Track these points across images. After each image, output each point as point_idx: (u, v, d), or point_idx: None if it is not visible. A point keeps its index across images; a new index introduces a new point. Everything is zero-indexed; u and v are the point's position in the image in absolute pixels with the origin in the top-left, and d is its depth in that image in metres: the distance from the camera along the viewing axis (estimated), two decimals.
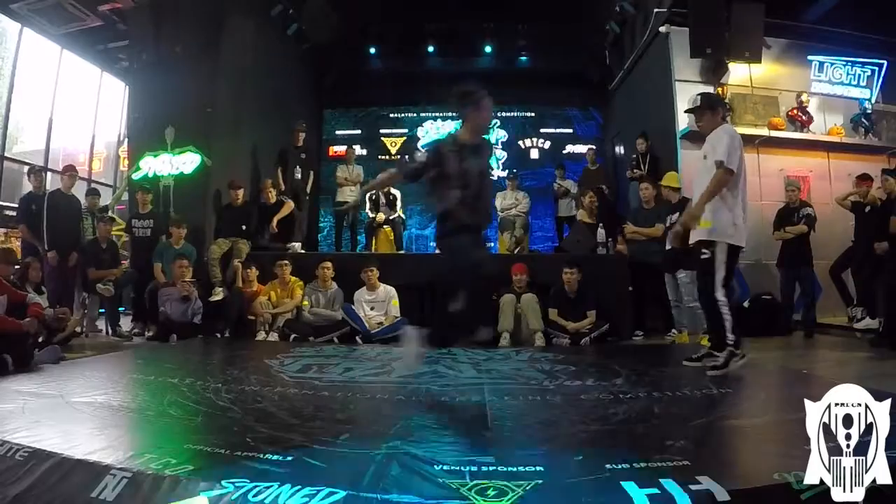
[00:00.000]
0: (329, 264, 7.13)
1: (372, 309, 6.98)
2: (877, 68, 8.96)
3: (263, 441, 2.44)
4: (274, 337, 6.85)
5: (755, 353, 5.66)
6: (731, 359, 4.32)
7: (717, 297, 4.42)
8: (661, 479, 1.89)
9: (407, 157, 4.10)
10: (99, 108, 12.81)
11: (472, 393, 3.71)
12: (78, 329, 6.88)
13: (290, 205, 8.39)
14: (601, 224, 8.22)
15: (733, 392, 3.75)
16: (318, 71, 12.85)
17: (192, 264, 7.27)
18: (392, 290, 7.06)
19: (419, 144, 13.29)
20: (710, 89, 8.47)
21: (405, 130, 13.50)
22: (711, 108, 4.70)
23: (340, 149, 11.83)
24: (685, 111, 5.21)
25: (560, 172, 10.59)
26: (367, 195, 9.72)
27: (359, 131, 13.51)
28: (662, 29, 8.69)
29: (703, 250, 4.47)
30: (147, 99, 9.11)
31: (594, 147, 11.68)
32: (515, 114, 13.42)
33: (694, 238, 4.57)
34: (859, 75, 8.97)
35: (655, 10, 8.93)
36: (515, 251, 9.15)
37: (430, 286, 7.22)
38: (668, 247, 6.60)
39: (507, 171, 12.19)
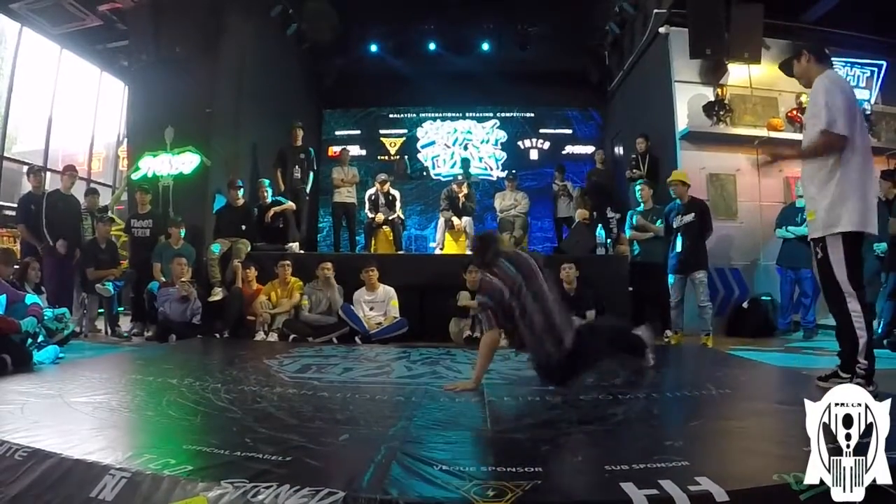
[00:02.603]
0: (329, 265, 7.14)
1: (371, 309, 6.98)
2: (876, 69, 8.96)
3: (263, 441, 2.44)
4: (273, 337, 6.85)
5: (754, 354, 5.68)
6: None
7: (847, 306, 3.56)
8: (659, 480, 1.89)
9: None
10: (98, 107, 12.82)
11: (471, 393, 3.70)
12: (77, 329, 6.89)
13: (289, 205, 8.41)
14: (600, 224, 8.25)
15: (732, 392, 3.75)
16: (317, 71, 12.89)
17: (190, 264, 7.28)
18: (391, 291, 7.06)
19: (419, 145, 13.35)
20: (710, 90, 8.50)
21: (405, 131, 13.53)
22: (797, 57, 3.98)
23: (339, 149, 11.81)
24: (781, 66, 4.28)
25: (560, 174, 10.59)
26: (367, 196, 9.74)
27: (358, 132, 13.55)
28: (662, 30, 8.70)
29: (816, 249, 3.68)
30: (146, 99, 9.13)
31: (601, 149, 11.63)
32: (515, 114, 13.44)
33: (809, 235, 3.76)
34: (858, 76, 8.96)
35: (655, 10, 8.94)
36: None
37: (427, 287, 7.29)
38: (678, 250, 6.64)
39: (506, 171, 12.21)
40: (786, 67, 4.11)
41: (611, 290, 7.13)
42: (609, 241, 8.43)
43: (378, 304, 7.03)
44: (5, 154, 10.47)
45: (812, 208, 3.68)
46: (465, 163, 12.81)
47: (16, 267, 6.36)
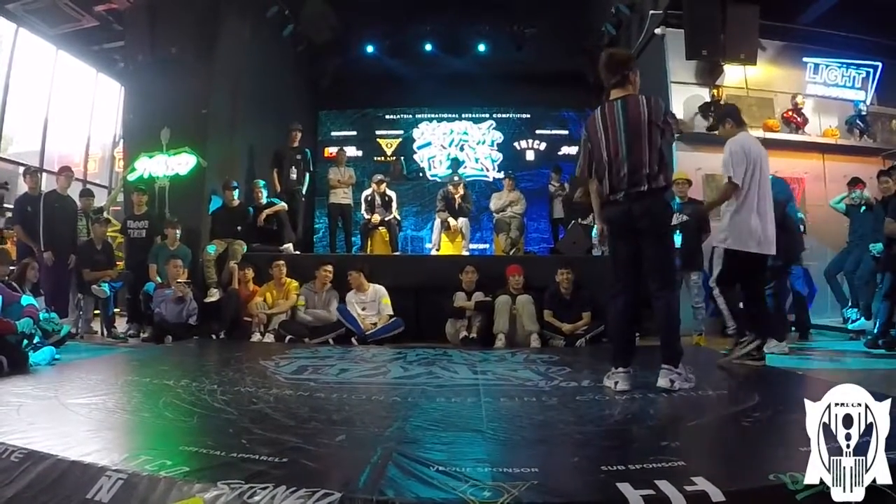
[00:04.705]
0: (330, 268, 7.14)
1: (364, 309, 6.97)
2: (872, 70, 8.99)
3: (259, 442, 2.44)
4: (269, 338, 6.84)
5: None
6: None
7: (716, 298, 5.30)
8: (656, 481, 1.89)
9: None
10: (94, 108, 12.78)
11: (467, 394, 3.71)
12: (73, 330, 6.87)
13: (282, 206, 8.40)
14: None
15: (729, 393, 3.77)
16: (313, 72, 12.86)
17: (186, 265, 7.27)
18: (381, 289, 7.06)
19: (415, 146, 13.35)
20: (706, 91, 8.51)
21: (401, 132, 13.53)
22: (721, 122, 5.06)
23: (336, 150, 11.80)
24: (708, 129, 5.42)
25: (556, 175, 10.60)
26: (364, 197, 9.73)
27: (354, 132, 13.54)
28: (658, 31, 8.69)
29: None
30: (143, 100, 9.11)
31: None
32: (511, 115, 13.44)
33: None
34: (854, 77, 9.00)
35: (651, 11, 8.94)
36: (511, 252, 9.16)
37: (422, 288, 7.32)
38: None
39: (502, 172, 12.22)
40: (713, 128, 5.42)
41: (607, 290, 7.10)
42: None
43: (370, 303, 7.03)
44: (1, 155, 10.45)
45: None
46: (455, 162, 12.81)
47: (11, 268, 6.35)
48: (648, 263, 3.88)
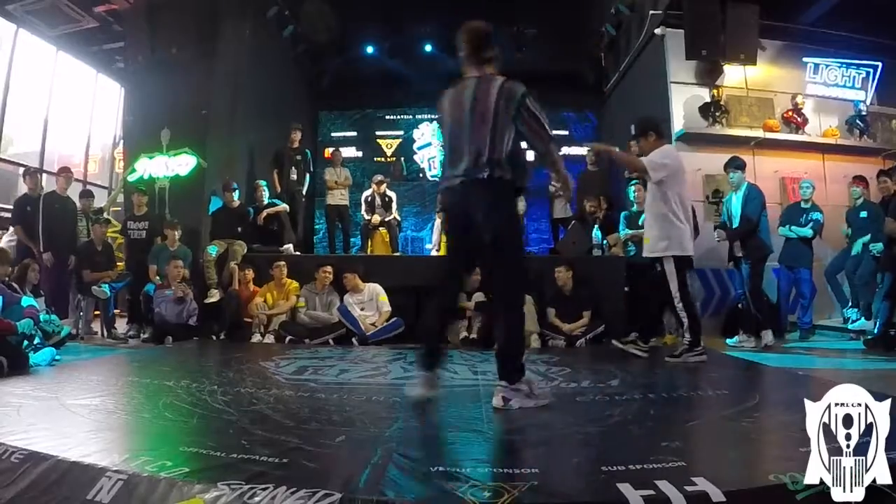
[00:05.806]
0: (329, 269, 7.13)
1: (362, 309, 6.96)
2: (872, 70, 8.98)
3: (259, 443, 2.44)
4: (269, 339, 6.83)
5: (749, 354, 5.69)
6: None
7: (675, 305, 5.19)
8: (656, 481, 1.89)
9: None
10: (94, 109, 12.79)
11: (467, 394, 3.70)
12: (73, 331, 6.87)
13: (283, 206, 8.40)
14: (596, 226, 8.24)
15: (729, 393, 3.76)
16: (313, 73, 12.85)
17: (187, 266, 7.26)
18: (378, 287, 7.05)
19: (415, 146, 13.34)
20: (706, 91, 8.51)
21: (401, 132, 13.49)
22: (644, 134, 5.30)
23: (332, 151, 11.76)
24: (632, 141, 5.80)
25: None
26: (364, 197, 9.73)
27: (354, 133, 13.51)
28: (658, 31, 8.69)
29: (655, 265, 5.32)
30: (143, 101, 9.13)
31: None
32: None
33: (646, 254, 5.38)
34: (854, 77, 9.00)
35: (651, 12, 8.93)
36: None
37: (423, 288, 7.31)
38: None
39: None
40: (636, 140, 5.63)
41: (607, 291, 7.11)
42: (605, 242, 8.40)
43: (367, 303, 7.02)
44: (1, 155, 10.46)
45: (647, 235, 5.32)
46: None
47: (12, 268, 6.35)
48: (493, 279, 3.39)
